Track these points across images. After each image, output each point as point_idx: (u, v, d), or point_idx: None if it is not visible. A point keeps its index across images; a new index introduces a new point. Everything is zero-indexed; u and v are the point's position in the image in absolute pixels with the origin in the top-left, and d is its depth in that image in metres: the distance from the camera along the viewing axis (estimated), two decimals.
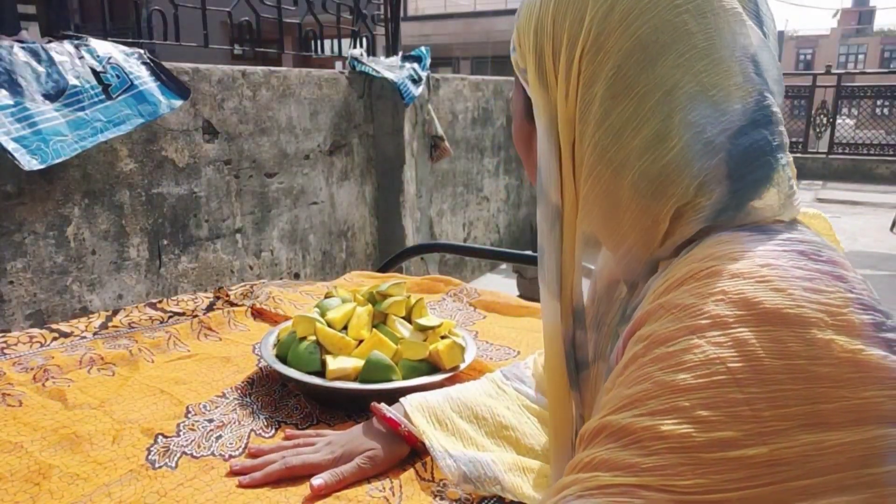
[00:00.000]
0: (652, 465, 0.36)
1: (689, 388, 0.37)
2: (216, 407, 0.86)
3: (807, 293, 0.38)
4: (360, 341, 0.92)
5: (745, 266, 0.40)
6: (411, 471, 0.72)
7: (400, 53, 3.26)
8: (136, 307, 1.16)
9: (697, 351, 0.38)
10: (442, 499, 0.68)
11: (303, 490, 0.69)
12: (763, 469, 0.35)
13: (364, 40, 3.25)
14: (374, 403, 0.78)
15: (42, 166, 1.54)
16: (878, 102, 9.67)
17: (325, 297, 1.04)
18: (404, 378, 0.87)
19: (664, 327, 0.40)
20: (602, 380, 0.51)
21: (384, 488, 0.69)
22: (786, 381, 0.36)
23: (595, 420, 0.41)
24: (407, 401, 0.77)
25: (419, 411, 0.75)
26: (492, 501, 0.69)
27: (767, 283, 0.39)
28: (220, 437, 0.79)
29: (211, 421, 0.83)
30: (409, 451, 0.75)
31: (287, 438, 0.79)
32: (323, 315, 0.95)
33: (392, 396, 0.88)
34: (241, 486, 0.69)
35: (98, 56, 1.75)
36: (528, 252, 1.67)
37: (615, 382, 0.42)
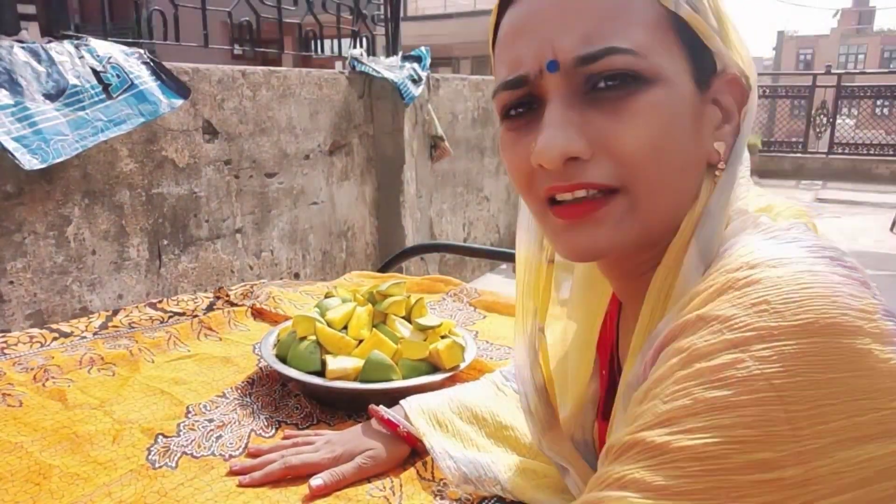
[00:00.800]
0: (686, 490, 0.35)
1: (731, 406, 0.35)
2: (216, 407, 0.87)
3: (848, 300, 0.37)
4: (360, 341, 0.92)
5: (786, 273, 0.38)
6: (412, 470, 0.72)
7: (400, 53, 3.26)
8: (136, 307, 1.16)
9: (741, 366, 0.36)
10: (442, 498, 0.68)
11: (302, 490, 0.69)
12: (797, 489, 0.34)
13: (364, 40, 3.25)
14: (372, 406, 0.78)
15: (43, 166, 1.54)
16: (878, 102, 9.67)
17: (325, 297, 1.04)
18: (404, 378, 0.87)
19: (704, 340, 0.38)
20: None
21: (384, 487, 0.69)
22: (827, 396, 0.35)
23: (627, 433, 0.39)
24: (406, 402, 0.77)
25: (419, 412, 0.75)
26: (492, 501, 0.69)
27: (811, 290, 0.37)
28: (220, 436, 0.79)
29: (211, 421, 0.83)
30: (409, 452, 0.75)
31: (286, 438, 0.79)
32: (323, 315, 0.95)
33: (392, 396, 0.89)
34: (241, 485, 0.69)
35: (98, 56, 1.75)
36: None
37: (647, 394, 0.40)
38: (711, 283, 0.41)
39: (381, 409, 0.77)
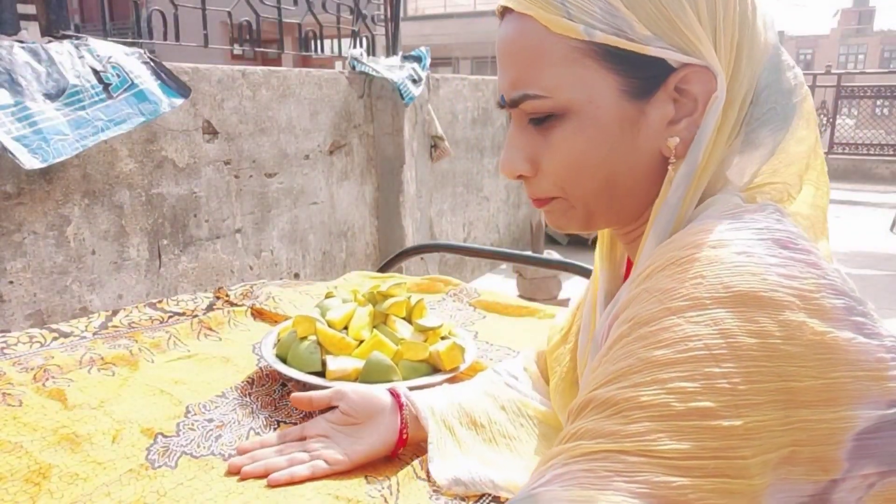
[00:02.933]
0: (633, 432, 0.38)
1: (669, 363, 0.39)
2: (216, 407, 0.87)
3: (780, 278, 0.41)
4: (361, 342, 0.92)
5: (722, 254, 0.43)
6: (409, 469, 0.72)
7: (400, 53, 3.26)
8: (136, 307, 1.16)
9: (677, 329, 0.40)
10: (438, 499, 0.69)
11: (302, 490, 0.69)
12: (737, 440, 0.37)
13: (364, 40, 3.25)
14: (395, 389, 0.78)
15: (43, 165, 1.54)
16: (878, 102, 9.67)
17: (326, 298, 1.04)
18: (405, 379, 0.87)
19: (646, 309, 0.43)
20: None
21: (382, 487, 0.69)
22: (760, 357, 0.38)
23: (581, 396, 0.43)
24: (419, 402, 0.77)
25: (430, 415, 0.76)
26: (488, 500, 0.69)
27: (743, 268, 0.41)
28: (219, 436, 0.80)
29: (211, 421, 0.83)
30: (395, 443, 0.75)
31: (282, 440, 0.78)
32: (323, 315, 0.95)
33: None
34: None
35: (98, 55, 1.75)
36: (528, 252, 1.67)
37: (601, 361, 0.44)
38: (659, 259, 0.46)
39: (409, 396, 0.78)
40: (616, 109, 0.52)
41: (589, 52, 0.51)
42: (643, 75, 0.51)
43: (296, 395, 0.80)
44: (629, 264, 0.68)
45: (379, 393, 0.77)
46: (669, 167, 0.53)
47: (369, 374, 0.86)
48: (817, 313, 0.40)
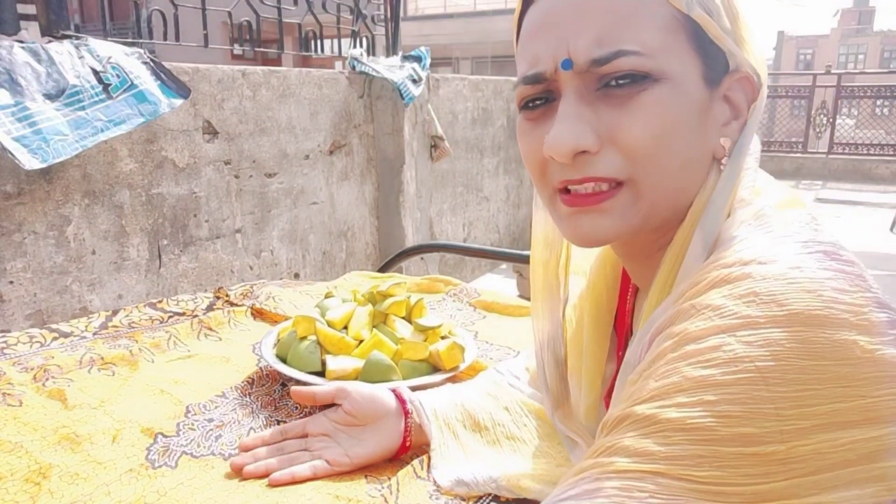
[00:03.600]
0: (671, 455, 0.37)
1: (717, 384, 0.38)
2: (216, 407, 0.87)
3: (835, 293, 0.40)
4: (361, 341, 0.92)
5: (774, 269, 0.41)
6: (409, 469, 0.72)
7: (400, 53, 3.26)
8: (136, 307, 1.16)
9: (727, 349, 0.39)
10: (438, 498, 0.69)
11: (302, 489, 0.69)
12: (778, 466, 0.36)
13: (364, 40, 3.25)
14: (398, 390, 0.77)
15: (43, 165, 1.54)
16: (878, 102, 9.67)
17: (325, 298, 1.04)
18: (404, 378, 0.87)
19: (695, 326, 0.41)
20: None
21: (382, 486, 0.69)
22: (811, 381, 0.37)
23: (619, 409, 0.42)
24: (424, 406, 0.76)
25: (434, 419, 0.75)
26: (488, 500, 0.69)
27: (797, 284, 0.40)
28: (219, 436, 0.80)
29: (211, 420, 0.83)
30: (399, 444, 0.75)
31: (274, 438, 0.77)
32: (323, 315, 0.95)
33: None
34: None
35: (98, 56, 1.75)
36: (528, 252, 1.67)
37: (641, 375, 0.43)
38: (706, 275, 0.44)
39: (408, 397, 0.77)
40: (699, 91, 0.50)
41: (684, 26, 0.49)
42: (713, 66, 0.51)
43: (297, 388, 0.79)
44: (624, 279, 0.68)
45: (383, 395, 0.76)
46: (722, 167, 0.52)
47: (369, 374, 0.86)
48: (865, 329, 0.39)
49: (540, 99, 0.53)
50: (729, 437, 0.37)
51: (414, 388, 0.87)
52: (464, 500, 0.69)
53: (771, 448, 0.36)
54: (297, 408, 0.88)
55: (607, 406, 0.66)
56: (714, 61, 0.51)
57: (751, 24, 0.53)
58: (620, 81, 0.49)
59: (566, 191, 0.52)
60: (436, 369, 0.91)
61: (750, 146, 0.53)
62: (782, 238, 0.45)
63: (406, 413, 0.75)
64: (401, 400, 0.76)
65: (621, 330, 0.68)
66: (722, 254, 0.46)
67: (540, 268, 0.68)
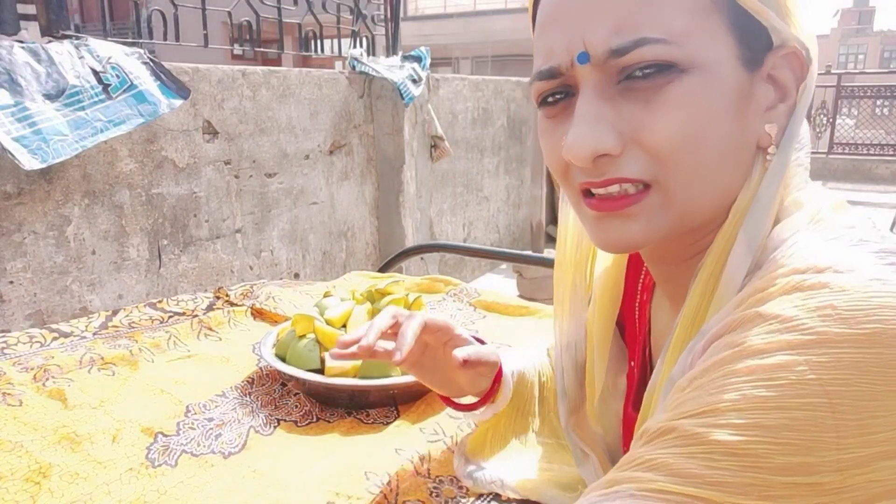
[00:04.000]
0: (718, 480, 0.34)
1: (778, 407, 0.34)
2: (216, 406, 0.87)
3: None
4: None
5: (853, 281, 0.37)
6: (409, 466, 0.72)
7: (400, 53, 3.27)
8: (136, 307, 1.16)
9: (796, 368, 0.35)
10: (438, 496, 0.69)
11: (302, 486, 0.69)
12: (832, 496, 0.34)
13: (364, 40, 3.25)
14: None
15: (43, 165, 1.54)
16: (878, 102, 9.66)
17: (324, 297, 1.04)
18: (403, 374, 0.87)
19: (760, 337, 0.37)
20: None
21: (382, 483, 0.69)
22: (880, 409, 0.34)
23: (664, 419, 0.38)
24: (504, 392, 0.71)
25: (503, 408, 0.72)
26: (488, 499, 0.69)
27: (880, 299, 0.36)
28: (219, 435, 0.80)
29: (211, 420, 0.83)
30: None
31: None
32: (321, 314, 0.96)
33: (391, 393, 0.89)
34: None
35: (98, 56, 1.76)
36: (528, 252, 1.68)
37: (692, 383, 0.39)
38: (775, 281, 0.39)
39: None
40: (736, 75, 0.45)
41: (717, 5, 0.44)
42: (752, 45, 0.45)
43: (394, 310, 0.67)
44: (629, 285, 0.64)
45: (490, 356, 0.70)
46: (768, 157, 0.46)
47: (368, 370, 0.86)
48: None
49: (559, 93, 0.49)
50: (783, 466, 0.33)
51: (413, 385, 0.88)
52: (463, 496, 0.69)
53: (827, 478, 0.33)
54: (297, 406, 0.89)
55: (629, 418, 0.63)
56: (754, 39, 0.45)
57: None
58: (644, 72, 0.44)
59: (590, 193, 0.48)
60: None
61: (800, 134, 0.47)
62: (853, 245, 0.40)
63: (496, 383, 0.70)
64: (498, 376, 0.71)
65: (633, 338, 0.64)
66: (788, 258, 0.41)
67: (569, 267, 0.64)
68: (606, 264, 0.65)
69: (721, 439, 0.35)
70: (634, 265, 0.64)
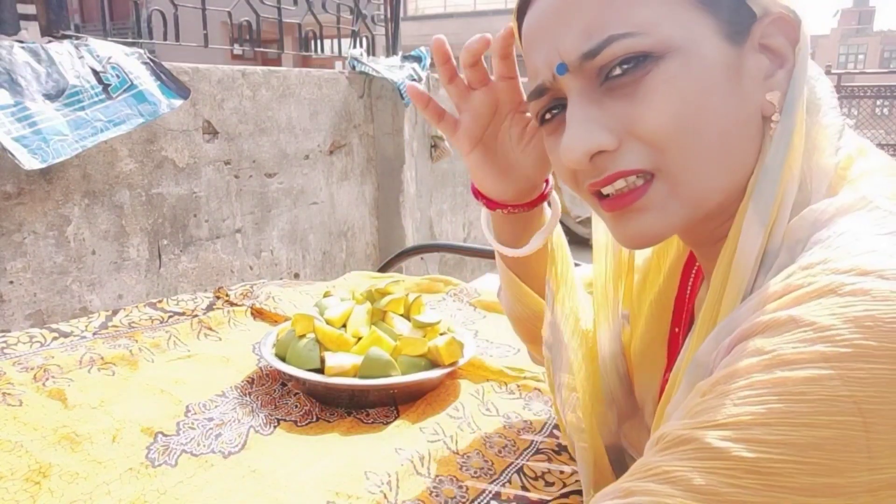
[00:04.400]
0: (740, 499, 0.32)
1: (808, 424, 0.32)
2: (216, 406, 0.87)
3: None
4: (359, 339, 0.93)
5: None
6: (409, 465, 0.72)
7: (400, 53, 3.27)
8: (136, 307, 1.16)
9: (828, 384, 0.32)
10: (438, 495, 0.69)
11: (302, 486, 0.69)
12: None
13: (364, 40, 3.25)
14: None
15: (43, 165, 1.54)
16: (878, 102, 9.67)
17: (324, 297, 1.04)
18: (404, 373, 0.88)
19: (792, 346, 0.34)
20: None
21: (382, 483, 0.69)
22: None
23: (684, 426, 0.36)
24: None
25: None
26: (487, 497, 0.69)
27: None
28: (219, 434, 0.80)
29: (211, 419, 0.83)
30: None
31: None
32: (321, 314, 0.96)
33: (391, 392, 0.89)
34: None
35: (98, 56, 1.76)
36: None
37: (714, 387, 0.37)
38: (811, 279, 0.37)
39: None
40: (718, 51, 0.44)
41: None
42: (732, 19, 0.45)
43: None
44: (686, 268, 0.63)
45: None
46: (772, 125, 0.45)
47: (368, 370, 0.86)
48: None
49: (554, 108, 0.50)
50: (810, 486, 0.32)
51: (413, 385, 0.88)
52: (463, 495, 0.69)
53: (859, 500, 0.32)
54: (297, 406, 0.89)
55: (661, 386, 0.61)
56: (733, 13, 0.45)
57: None
58: (623, 67, 0.44)
59: (602, 194, 0.48)
60: (434, 365, 0.91)
61: (813, 94, 0.46)
62: None
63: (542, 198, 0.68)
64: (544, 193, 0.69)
65: (680, 307, 0.62)
66: (829, 251, 0.38)
67: (601, 280, 0.63)
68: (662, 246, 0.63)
69: (744, 456, 0.33)
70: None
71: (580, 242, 4.94)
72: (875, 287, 0.34)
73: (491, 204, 0.68)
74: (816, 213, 0.43)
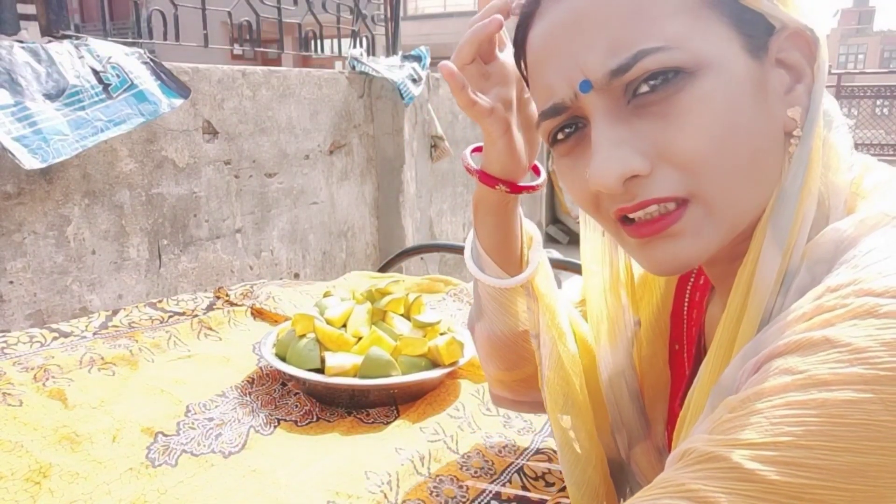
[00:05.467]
0: None
1: (847, 450, 0.31)
2: (216, 406, 0.87)
3: None
4: (359, 339, 0.93)
5: None
6: (409, 465, 0.72)
7: (400, 53, 3.27)
8: (136, 307, 1.16)
9: (869, 407, 0.31)
10: (438, 495, 0.69)
11: (302, 486, 0.69)
12: None
13: (364, 40, 3.25)
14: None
15: (43, 165, 1.54)
16: (878, 102, 9.67)
17: (324, 297, 1.04)
18: (404, 374, 0.87)
19: (828, 367, 0.33)
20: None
21: (382, 483, 0.69)
22: None
23: (711, 442, 0.35)
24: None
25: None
26: (488, 497, 0.69)
27: None
28: (219, 434, 0.80)
29: (211, 419, 0.83)
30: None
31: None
32: (321, 314, 0.96)
33: (392, 392, 0.89)
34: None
35: (98, 56, 1.76)
36: None
37: (744, 403, 0.35)
38: (845, 301, 0.35)
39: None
40: (746, 67, 0.43)
41: (707, 1, 0.43)
42: (753, 33, 0.44)
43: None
44: (681, 281, 0.61)
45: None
46: (793, 142, 0.44)
47: (368, 370, 0.86)
48: None
49: (569, 127, 0.47)
50: None
51: (413, 385, 0.88)
52: (463, 494, 0.69)
53: None
54: (297, 406, 0.89)
55: (673, 411, 0.60)
56: (753, 27, 0.44)
57: None
58: (651, 84, 0.42)
59: (627, 219, 0.45)
60: (435, 365, 0.91)
61: (824, 111, 0.45)
62: None
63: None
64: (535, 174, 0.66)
65: (678, 321, 0.61)
66: (860, 271, 0.37)
67: (597, 294, 0.62)
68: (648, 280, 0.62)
69: (783, 480, 0.31)
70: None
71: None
72: None
73: (511, 185, 0.63)
74: (838, 231, 0.41)
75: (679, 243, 0.44)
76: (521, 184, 0.63)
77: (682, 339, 0.61)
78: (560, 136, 0.48)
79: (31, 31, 1.78)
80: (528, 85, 0.51)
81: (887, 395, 0.31)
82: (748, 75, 0.43)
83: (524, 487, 0.72)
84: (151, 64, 1.87)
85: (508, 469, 0.75)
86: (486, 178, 0.62)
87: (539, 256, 0.65)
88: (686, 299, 0.61)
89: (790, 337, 0.36)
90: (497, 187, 0.61)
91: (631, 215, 0.45)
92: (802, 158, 0.43)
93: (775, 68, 0.45)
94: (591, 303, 0.62)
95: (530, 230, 0.68)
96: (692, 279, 0.61)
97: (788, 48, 0.45)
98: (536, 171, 0.66)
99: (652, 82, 0.42)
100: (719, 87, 0.42)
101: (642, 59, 0.42)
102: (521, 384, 0.71)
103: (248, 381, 0.94)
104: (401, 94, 2.96)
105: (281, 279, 2.56)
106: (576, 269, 1.45)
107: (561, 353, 0.63)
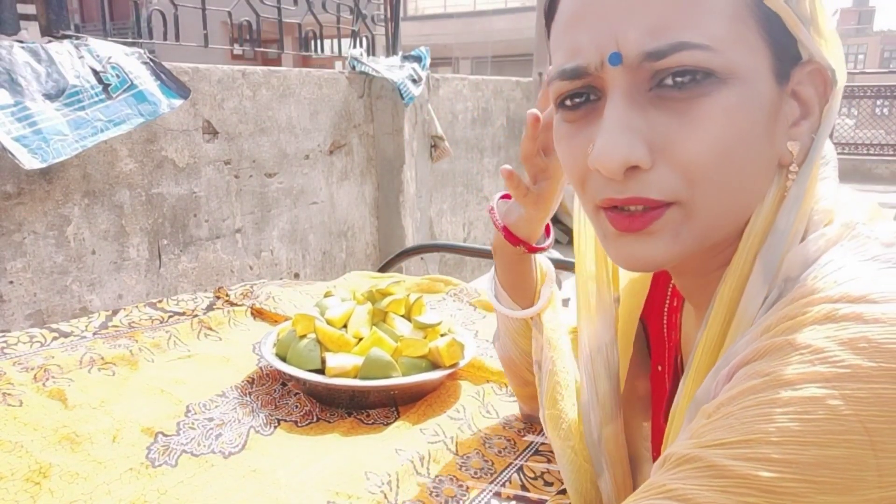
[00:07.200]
0: None
1: (816, 444, 0.32)
2: (216, 406, 0.87)
3: None
4: (360, 339, 0.93)
5: (891, 311, 0.35)
6: (409, 465, 0.72)
7: (400, 53, 3.27)
8: (136, 307, 1.16)
9: (830, 402, 0.33)
10: (438, 495, 0.69)
11: (302, 486, 0.69)
12: None
13: (364, 40, 3.25)
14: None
15: (43, 165, 1.54)
16: (878, 102, 9.67)
17: (325, 297, 1.04)
18: (405, 374, 0.87)
19: (791, 368, 0.35)
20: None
21: (382, 483, 0.69)
22: None
23: (689, 445, 0.36)
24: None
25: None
26: (488, 497, 0.69)
27: None
28: (219, 434, 0.80)
29: (211, 420, 0.83)
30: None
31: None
32: (322, 314, 0.96)
33: (392, 393, 0.89)
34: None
35: (98, 56, 1.76)
36: None
37: (719, 410, 0.37)
38: (806, 309, 0.37)
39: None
40: (770, 89, 0.43)
41: (754, 11, 0.41)
42: (783, 57, 0.43)
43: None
44: (659, 284, 0.63)
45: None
46: (790, 176, 0.45)
47: (369, 370, 0.86)
48: None
49: (580, 96, 0.45)
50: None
51: (414, 386, 0.88)
52: (463, 493, 0.69)
53: None
54: (297, 406, 0.89)
55: (657, 428, 0.62)
56: (784, 51, 0.43)
57: (829, 13, 0.45)
58: (678, 80, 0.41)
59: (612, 207, 0.45)
60: (435, 366, 0.91)
61: (823, 151, 0.46)
62: (891, 268, 0.38)
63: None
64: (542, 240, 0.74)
65: (658, 341, 0.63)
66: (818, 282, 0.39)
67: (589, 282, 0.63)
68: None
69: (757, 475, 0.33)
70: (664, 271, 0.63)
71: None
72: (866, 310, 0.35)
73: (528, 246, 0.72)
74: (805, 249, 0.43)
75: (655, 242, 0.44)
76: (535, 245, 0.72)
77: (664, 361, 0.63)
78: (569, 103, 0.47)
79: (31, 31, 1.78)
80: (548, 35, 0.49)
81: (848, 391, 0.33)
82: (769, 98, 0.43)
83: (523, 487, 0.72)
84: (151, 64, 1.87)
85: (508, 469, 0.75)
86: (510, 236, 0.71)
87: (548, 292, 0.74)
88: (664, 322, 0.63)
89: (755, 344, 0.38)
90: (518, 246, 0.71)
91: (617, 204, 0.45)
92: (798, 197, 0.44)
93: (790, 99, 0.44)
94: (580, 281, 0.64)
95: (545, 267, 0.76)
96: (667, 301, 0.63)
97: (806, 83, 0.45)
98: (547, 230, 0.74)
99: (679, 79, 0.41)
100: (743, 102, 0.41)
101: (681, 50, 0.40)
102: (532, 399, 0.79)
103: (248, 381, 0.94)
104: (401, 95, 2.96)
105: (281, 279, 2.56)
106: (574, 269, 1.45)
107: (559, 381, 0.70)
